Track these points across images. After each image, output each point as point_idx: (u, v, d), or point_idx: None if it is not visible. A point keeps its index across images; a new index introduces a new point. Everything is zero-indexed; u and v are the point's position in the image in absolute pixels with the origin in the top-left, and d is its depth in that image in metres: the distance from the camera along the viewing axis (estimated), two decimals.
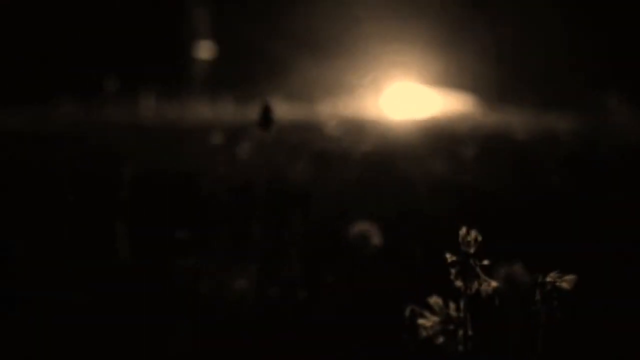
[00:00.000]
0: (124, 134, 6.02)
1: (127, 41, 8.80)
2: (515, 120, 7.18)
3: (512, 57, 9.03)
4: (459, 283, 1.68)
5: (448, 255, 1.69)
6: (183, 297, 2.79)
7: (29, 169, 4.65)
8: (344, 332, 2.25)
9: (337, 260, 2.82)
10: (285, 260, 3.01)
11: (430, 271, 2.02)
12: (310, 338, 2.38)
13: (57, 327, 2.54)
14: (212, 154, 4.76)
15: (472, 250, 1.64)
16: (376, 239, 2.87)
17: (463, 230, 1.64)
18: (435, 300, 1.79)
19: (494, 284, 1.62)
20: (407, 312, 1.86)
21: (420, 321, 1.78)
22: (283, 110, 7.06)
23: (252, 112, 7.87)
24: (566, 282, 1.51)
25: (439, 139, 5.96)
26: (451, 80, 9.02)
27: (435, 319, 1.78)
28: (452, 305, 1.76)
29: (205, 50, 8.96)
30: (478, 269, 1.64)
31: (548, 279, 1.56)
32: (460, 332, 1.73)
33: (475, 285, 1.65)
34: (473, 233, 1.63)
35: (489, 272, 1.63)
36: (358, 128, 6.38)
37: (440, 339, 1.75)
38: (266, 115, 2.70)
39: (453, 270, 1.68)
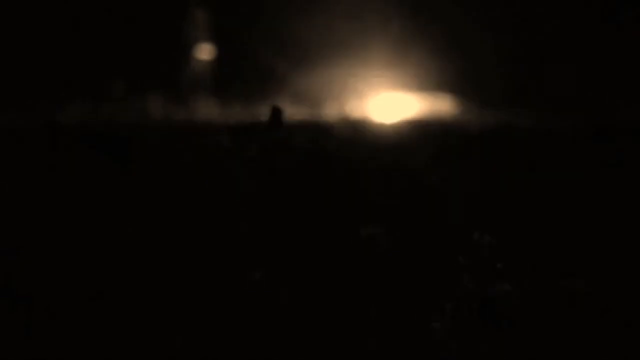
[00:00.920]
0: (135, 134, 6.01)
1: (127, 44, 8.82)
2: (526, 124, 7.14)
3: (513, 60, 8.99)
4: (472, 286, 1.69)
5: (461, 259, 1.70)
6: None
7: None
8: (354, 333, 2.25)
9: (348, 263, 2.82)
10: (295, 263, 3.01)
11: (441, 273, 2.02)
12: (320, 339, 2.38)
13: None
14: (221, 155, 4.75)
15: (485, 254, 1.65)
16: (386, 241, 2.87)
17: (476, 234, 1.65)
18: (448, 303, 1.80)
19: (507, 287, 1.63)
20: (419, 314, 1.87)
21: (434, 324, 1.79)
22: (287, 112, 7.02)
23: (256, 114, 7.79)
24: (579, 283, 1.52)
25: (446, 140, 5.93)
26: (451, 84, 8.99)
27: (447, 321, 1.79)
28: (464, 308, 1.77)
29: (205, 52, 8.93)
30: (492, 272, 1.65)
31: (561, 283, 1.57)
32: (472, 334, 1.74)
33: (489, 288, 1.66)
34: (486, 237, 1.64)
35: (503, 275, 1.63)
36: (364, 130, 6.36)
37: (453, 341, 1.76)
38: (276, 118, 2.70)
39: (466, 274, 1.69)
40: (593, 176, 4.36)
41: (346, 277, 2.59)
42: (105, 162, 5.03)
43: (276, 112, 2.69)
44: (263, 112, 7.75)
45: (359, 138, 5.91)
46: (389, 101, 9.03)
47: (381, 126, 6.84)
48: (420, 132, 6.41)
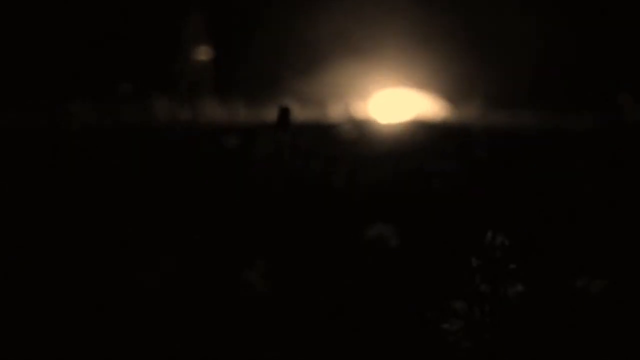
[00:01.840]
0: (140, 135, 6.03)
1: (131, 46, 8.82)
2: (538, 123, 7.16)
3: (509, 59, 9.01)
4: (484, 287, 1.67)
5: (473, 259, 1.68)
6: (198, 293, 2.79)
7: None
8: (363, 334, 2.24)
9: (356, 262, 2.81)
10: (305, 262, 3.00)
11: (453, 274, 2.01)
12: (329, 340, 2.38)
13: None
14: (229, 156, 4.75)
15: (498, 255, 1.63)
16: (394, 240, 2.86)
17: (489, 235, 1.63)
18: (459, 304, 1.78)
19: (521, 288, 1.61)
20: (431, 316, 1.85)
21: (445, 325, 1.77)
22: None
23: (259, 115, 7.82)
24: (595, 284, 1.51)
25: (452, 140, 5.94)
26: (456, 85, 9.01)
27: (460, 322, 1.77)
28: (476, 309, 1.75)
29: (205, 53, 8.95)
30: (505, 273, 1.63)
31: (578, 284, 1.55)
32: (485, 337, 1.72)
33: (502, 289, 1.64)
34: (499, 237, 1.62)
35: (516, 276, 1.62)
36: (369, 130, 6.37)
37: (465, 343, 1.74)
38: (284, 118, 2.69)
39: (478, 274, 1.67)
40: (609, 175, 4.35)
41: (355, 278, 2.58)
42: (110, 162, 5.04)
43: (284, 112, 2.67)
44: (268, 113, 7.80)
45: (365, 138, 5.92)
46: (394, 101, 9.01)
47: (388, 126, 6.85)
48: (428, 132, 6.42)
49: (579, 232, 2.88)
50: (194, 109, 7.91)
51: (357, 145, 5.64)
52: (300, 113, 7.31)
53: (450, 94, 8.63)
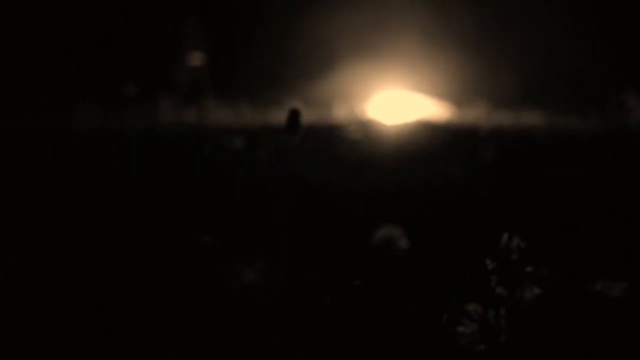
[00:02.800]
0: (144, 139, 6.04)
1: (136, 48, 8.82)
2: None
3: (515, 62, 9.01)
4: (500, 290, 1.66)
5: (488, 262, 1.67)
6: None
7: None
8: (373, 337, 2.23)
9: (364, 264, 2.80)
10: (311, 264, 2.99)
11: (468, 277, 2.00)
12: (338, 342, 2.36)
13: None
14: (237, 158, 4.76)
15: (514, 257, 1.62)
16: (403, 242, 2.84)
17: (505, 237, 1.61)
18: (474, 307, 1.76)
19: (538, 291, 1.59)
20: (445, 319, 1.84)
21: (460, 329, 1.75)
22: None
23: (261, 117, 7.81)
24: (615, 288, 1.49)
25: (458, 141, 5.94)
26: (457, 88, 9.01)
27: (474, 326, 1.76)
28: (491, 312, 1.74)
29: (202, 57, 8.96)
30: (522, 276, 1.61)
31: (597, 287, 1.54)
32: (500, 340, 1.71)
33: (519, 292, 1.62)
34: (516, 239, 1.61)
35: (533, 279, 1.60)
36: (375, 131, 6.37)
37: (479, 347, 1.72)
38: (294, 120, 2.67)
39: (494, 277, 1.66)
40: (626, 175, 4.33)
41: (365, 280, 2.57)
42: (113, 164, 5.04)
43: (294, 114, 2.66)
44: (271, 115, 7.79)
45: (372, 139, 5.91)
46: (400, 103, 9.00)
47: (394, 128, 6.84)
48: (435, 133, 6.41)
49: (596, 234, 2.86)
50: (195, 111, 7.91)
51: (364, 147, 5.63)
52: (304, 115, 7.28)
53: (455, 95, 8.62)
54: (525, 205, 3.64)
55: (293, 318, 2.62)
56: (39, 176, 4.69)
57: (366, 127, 6.54)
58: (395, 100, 8.98)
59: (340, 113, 7.90)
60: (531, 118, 7.66)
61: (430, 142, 6.04)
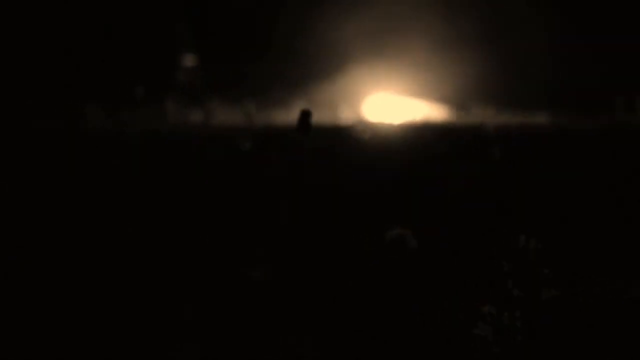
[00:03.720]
0: (152, 140, 6.03)
1: (142, 50, 8.82)
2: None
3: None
4: (516, 292, 1.65)
5: (505, 264, 1.66)
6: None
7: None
8: (392, 340, 2.22)
9: (376, 264, 2.79)
10: (323, 265, 2.99)
11: (484, 279, 1.99)
12: (351, 344, 2.36)
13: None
14: (243, 158, 4.75)
15: (532, 259, 1.61)
16: (413, 242, 2.84)
17: (522, 238, 1.61)
18: (489, 308, 1.76)
19: (555, 293, 1.59)
20: (459, 320, 1.83)
21: (476, 330, 1.75)
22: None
23: (264, 119, 7.80)
24: (634, 289, 1.48)
25: (465, 143, 5.92)
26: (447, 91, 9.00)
27: (489, 328, 1.75)
28: (506, 314, 1.73)
29: (194, 59, 8.94)
30: (539, 278, 1.61)
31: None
32: (517, 343, 1.70)
33: (535, 294, 1.62)
34: (533, 241, 1.60)
35: (550, 280, 1.59)
36: (381, 133, 6.36)
37: (497, 349, 1.72)
38: (305, 121, 2.67)
39: (510, 279, 1.65)
40: (633, 175, 4.31)
41: (379, 281, 2.56)
42: (123, 166, 5.03)
43: (305, 115, 2.66)
44: (280, 117, 7.77)
45: (381, 141, 5.91)
46: (407, 104, 8.99)
47: (402, 129, 6.83)
48: (445, 135, 6.40)
49: (620, 235, 2.84)
50: (201, 112, 7.91)
51: (371, 148, 5.63)
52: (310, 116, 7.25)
53: (462, 98, 8.61)
54: (533, 205, 3.63)
55: (304, 317, 2.61)
56: (39, 177, 4.70)
57: (373, 129, 6.54)
58: (402, 102, 8.97)
59: (347, 114, 7.89)
60: (538, 119, 7.65)
61: (437, 143, 6.03)
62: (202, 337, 2.58)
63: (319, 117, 7.55)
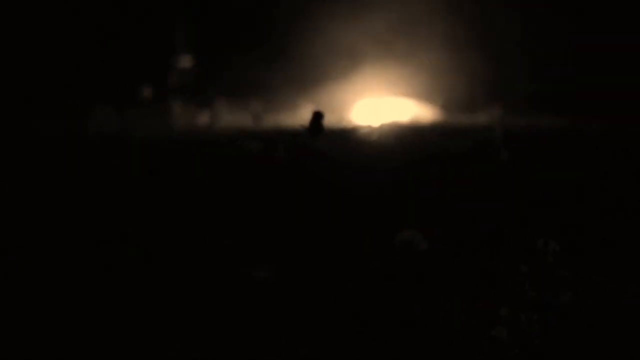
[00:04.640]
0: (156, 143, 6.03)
1: (149, 52, 8.82)
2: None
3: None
4: (533, 294, 1.64)
5: (522, 266, 1.66)
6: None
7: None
8: (409, 342, 2.21)
9: (388, 266, 2.78)
10: (334, 267, 2.98)
11: (502, 281, 1.98)
12: (365, 347, 2.35)
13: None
14: (250, 160, 4.74)
15: (550, 261, 1.60)
16: (423, 244, 2.83)
17: (540, 241, 1.60)
18: (506, 311, 1.75)
19: (572, 295, 1.58)
20: (475, 323, 1.82)
21: (493, 332, 1.74)
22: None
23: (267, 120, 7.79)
24: None
25: (473, 144, 5.91)
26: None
27: (505, 330, 1.75)
28: (523, 317, 1.72)
29: (191, 60, 8.94)
30: (556, 280, 1.60)
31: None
32: (534, 345, 1.69)
33: (552, 296, 1.61)
34: (551, 243, 1.59)
35: (567, 282, 1.59)
36: (389, 134, 6.35)
37: (514, 351, 1.71)
38: (317, 123, 2.67)
39: (528, 281, 1.65)
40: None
41: (393, 283, 2.55)
42: (130, 167, 5.03)
43: (317, 117, 2.66)
44: (286, 118, 7.75)
45: (390, 143, 5.90)
46: (413, 106, 8.99)
47: (409, 130, 6.82)
48: (453, 136, 6.39)
49: (626, 237, 2.83)
50: (207, 114, 7.91)
51: (378, 150, 5.62)
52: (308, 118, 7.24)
53: (470, 100, 8.60)
54: (544, 207, 3.62)
55: (313, 318, 2.61)
56: (42, 179, 4.70)
57: (380, 131, 6.53)
58: (408, 104, 8.97)
59: (352, 116, 7.89)
60: (544, 121, 7.64)
61: (445, 145, 6.02)
62: (202, 337, 2.58)
63: (328, 118, 7.53)
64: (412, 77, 9.13)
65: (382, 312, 2.40)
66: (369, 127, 6.55)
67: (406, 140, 6.11)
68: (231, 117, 7.78)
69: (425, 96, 8.96)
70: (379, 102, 8.52)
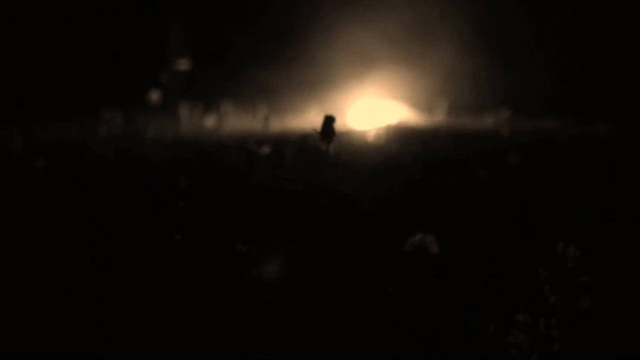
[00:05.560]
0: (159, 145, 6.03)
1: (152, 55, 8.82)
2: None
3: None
4: (553, 300, 1.63)
5: (541, 270, 1.64)
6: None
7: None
8: (425, 348, 2.20)
9: (399, 271, 2.77)
10: (345, 271, 2.97)
11: (521, 286, 1.96)
12: (377, 351, 2.34)
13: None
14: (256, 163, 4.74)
15: (570, 266, 1.58)
16: (435, 248, 2.82)
17: (560, 245, 1.58)
18: (523, 316, 1.74)
19: (592, 301, 1.56)
20: (492, 329, 1.81)
21: (510, 338, 1.73)
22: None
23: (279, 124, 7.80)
24: None
25: (482, 147, 5.90)
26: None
27: (524, 336, 1.73)
28: (541, 322, 1.71)
29: (187, 63, 8.96)
30: (576, 286, 1.58)
31: None
32: (553, 351, 1.67)
33: (573, 302, 1.59)
34: (571, 248, 1.57)
35: (587, 288, 1.57)
36: (396, 138, 6.35)
37: (533, 357, 1.69)
38: (329, 127, 2.66)
39: (547, 286, 1.63)
40: None
41: (408, 289, 2.54)
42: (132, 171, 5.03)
43: (329, 121, 2.65)
44: (292, 121, 7.75)
45: (397, 147, 5.88)
46: (418, 109, 8.97)
47: (416, 133, 6.81)
48: (460, 139, 6.38)
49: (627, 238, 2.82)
50: (212, 117, 7.91)
51: (385, 153, 5.61)
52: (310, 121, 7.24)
53: (477, 103, 8.59)
54: (592, 213, 3.58)
55: (324, 322, 2.60)
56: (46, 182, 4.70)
57: (386, 134, 6.53)
58: (413, 106, 8.96)
59: (359, 120, 7.88)
60: (553, 124, 7.62)
61: (453, 148, 6.01)
62: (202, 337, 2.57)
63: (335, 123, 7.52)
64: (420, 80, 9.13)
65: (394, 317, 2.38)
66: (377, 130, 6.54)
67: (415, 144, 6.10)
68: (238, 120, 7.78)
69: (435, 100, 8.95)
70: (384, 106, 8.52)
